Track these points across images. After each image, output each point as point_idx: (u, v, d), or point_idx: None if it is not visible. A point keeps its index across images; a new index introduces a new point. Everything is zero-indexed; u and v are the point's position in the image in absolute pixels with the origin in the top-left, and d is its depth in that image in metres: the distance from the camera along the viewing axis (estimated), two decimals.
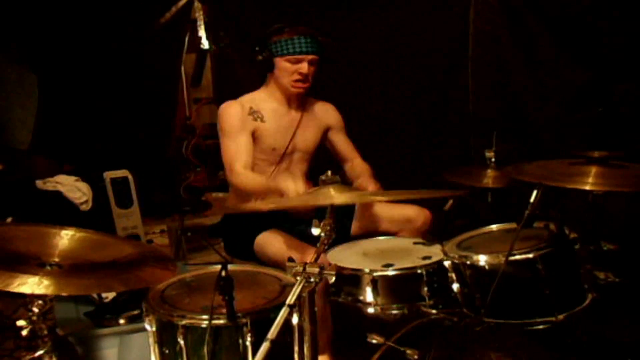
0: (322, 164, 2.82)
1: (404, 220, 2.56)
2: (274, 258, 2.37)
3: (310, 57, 2.50)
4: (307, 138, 2.68)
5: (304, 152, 2.68)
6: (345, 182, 2.05)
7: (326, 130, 2.76)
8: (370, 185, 2.47)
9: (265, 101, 2.61)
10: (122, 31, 4.37)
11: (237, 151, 2.49)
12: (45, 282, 1.49)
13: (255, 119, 2.55)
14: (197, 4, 4.41)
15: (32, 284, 1.46)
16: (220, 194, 4.83)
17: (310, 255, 2.17)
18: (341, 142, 2.80)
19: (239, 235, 2.53)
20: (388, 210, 2.59)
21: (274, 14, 4.09)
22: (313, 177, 2.56)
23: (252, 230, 2.47)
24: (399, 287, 2.16)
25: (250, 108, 2.56)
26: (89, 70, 4.40)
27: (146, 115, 4.74)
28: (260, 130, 2.55)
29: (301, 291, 1.45)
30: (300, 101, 2.66)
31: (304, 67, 2.50)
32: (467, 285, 2.06)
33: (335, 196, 1.70)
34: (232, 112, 2.54)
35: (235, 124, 2.52)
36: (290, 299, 1.42)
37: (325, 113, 2.76)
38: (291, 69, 2.51)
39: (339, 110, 2.80)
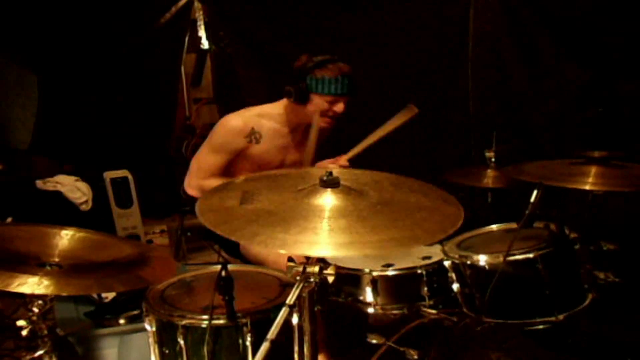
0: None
1: None
2: (254, 260, 2.40)
3: (347, 98, 2.45)
4: (299, 156, 2.67)
5: (292, 167, 2.68)
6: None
7: (318, 144, 2.75)
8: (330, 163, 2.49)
9: (269, 120, 2.54)
10: (122, 31, 4.37)
11: (210, 165, 2.51)
12: (45, 282, 1.49)
13: (250, 141, 2.50)
14: (197, 4, 4.41)
15: (32, 284, 1.47)
16: None
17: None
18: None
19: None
20: None
21: (273, 14, 4.10)
22: None
23: None
24: (398, 287, 2.16)
25: (252, 129, 2.49)
26: (89, 71, 4.40)
27: (146, 115, 4.74)
28: (251, 149, 2.52)
29: (301, 291, 1.45)
30: (308, 125, 2.59)
31: (340, 107, 2.44)
32: (467, 285, 2.06)
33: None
34: (229, 131, 2.49)
35: (226, 145, 2.50)
36: (290, 299, 1.42)
37: (323, 131, 2.73)
38: (326, 107, 2.43)
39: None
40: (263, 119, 2.53)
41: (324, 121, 2.47)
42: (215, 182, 2.47)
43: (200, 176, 2.52)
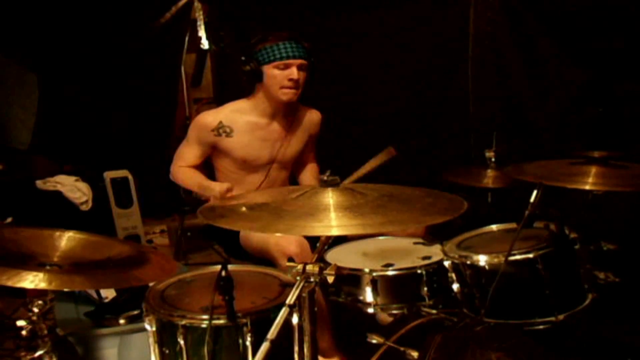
0: (323, 165, 2.84)
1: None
2: (257, 247, 2.42)
3: (298, 61, 2.45)
4: (290, 149, 2.67)
5: (284, 162, 2.69)
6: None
7: (308, 139, 2.76)
8: None
9: (244, 113, 2.59)
10: (122, 31, 4.37)
11: (186, 155, 2.65)
12: (43, 282, 1.49)
13: (218, 135, 2.55)
14: (197, 4, 4.40)
15: (31, 281, 1.47)
16: None
17: (292, 243, 2.24)
18: (309, 150, 2.82)
19: (226, 232, 2.54)
20: None
21: (273, 14, 4.10)
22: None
23: None
24: (398, 287, 2.15)
25: (219, 123, 2.55)
26: (89, 70, 4.40)
27: (146, 115, 4.74)
28: (223, 144, 2.57)
29: (301, 291, 1.45)
30: (287, 111, 2.63)
31: (293, 72, 2.44)
32: (467, 285, 2.06)
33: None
34: (197, 125, 2.60)
35: (196, 137, 2.61)
36: (290, 299, 1.42)
37: (310, 123, 2.74)
38: (280, 76, 2.45)
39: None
40: (237, 113, 2.59)
41: (283, 93, 2.49)
42: (188, 173, 2.64)
43: (177, 163, 2.67)
